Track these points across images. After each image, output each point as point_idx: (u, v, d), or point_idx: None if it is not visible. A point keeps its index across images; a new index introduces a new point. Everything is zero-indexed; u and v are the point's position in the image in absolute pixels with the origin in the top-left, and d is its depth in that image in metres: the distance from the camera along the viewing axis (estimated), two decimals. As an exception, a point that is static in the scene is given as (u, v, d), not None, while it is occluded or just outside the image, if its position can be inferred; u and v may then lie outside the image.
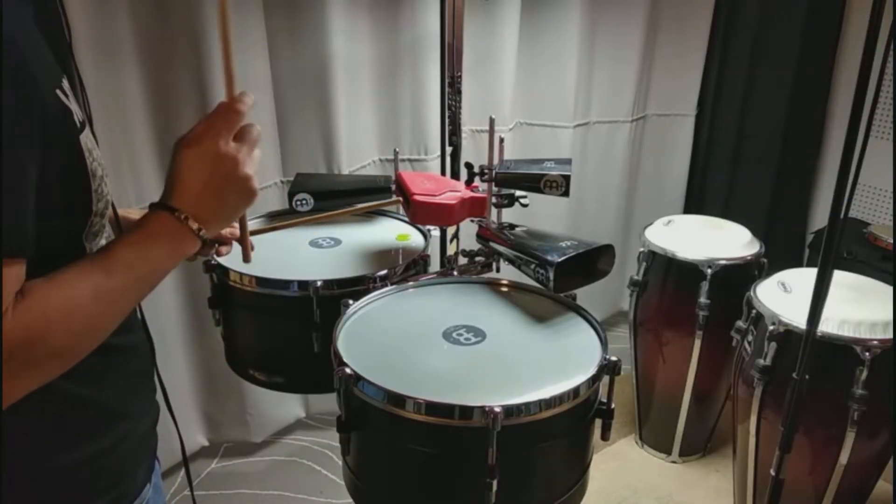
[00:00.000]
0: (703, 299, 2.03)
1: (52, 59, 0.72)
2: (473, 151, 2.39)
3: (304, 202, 1.44)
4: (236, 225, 1.17)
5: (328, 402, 2.45)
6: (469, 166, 1.43)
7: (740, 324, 1.84)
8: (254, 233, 1.27)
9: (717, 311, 2.03)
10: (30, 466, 0.77)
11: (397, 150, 1.81)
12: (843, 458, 1.64)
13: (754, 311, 1.76)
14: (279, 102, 2.06)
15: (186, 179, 0.76)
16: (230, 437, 2.32)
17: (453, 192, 1.37)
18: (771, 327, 1.66)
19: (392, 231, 1.55)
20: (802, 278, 1.79)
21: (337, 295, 1.25)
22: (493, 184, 1.33)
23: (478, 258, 1.45)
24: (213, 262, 1.32)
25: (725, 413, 2.22)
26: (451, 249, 1.52)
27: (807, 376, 1.19)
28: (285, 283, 1.26)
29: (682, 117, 2.96)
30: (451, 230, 1.53)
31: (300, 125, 2.12)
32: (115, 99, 1.75)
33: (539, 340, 1.15)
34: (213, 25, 1.81)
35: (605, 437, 1.08)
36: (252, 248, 0.89)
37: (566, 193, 1.30)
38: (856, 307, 1.63)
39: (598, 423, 1.08)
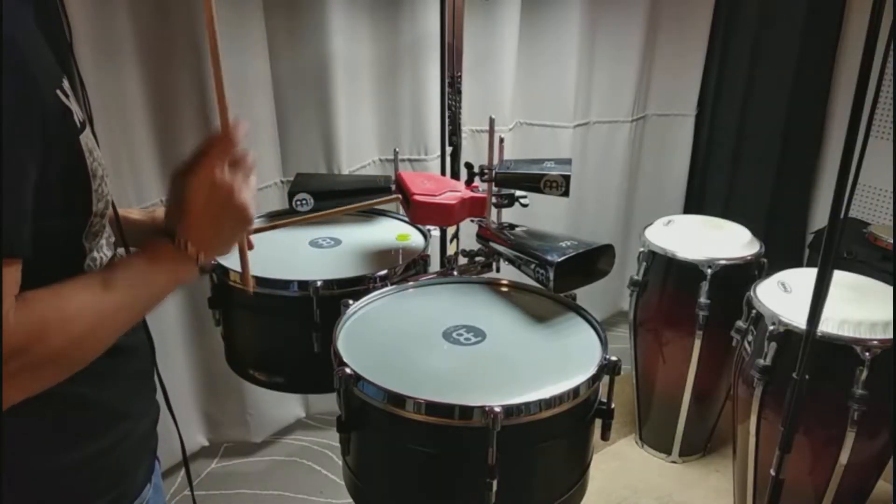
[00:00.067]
0: (703, 299, 2.03)
1: (53, 59, 0.72)
2: (473, 151, 2.39)
3: (304, 202, 1.44)
4: None
5: (328, 402, 2.45)
6: (469, 166, 1.43)
7: (740, 324, 1.84)
8: (256, 231, 1.27)
9: (717, 311, 2.03)
10: (30, 466, 0.77)
11: (397, 150, 1.81)
12: (843, 458, 1.64)
13: (754, 311, 1.76)
14: (279, 102, 2.06)
15: (184, 208, 0.78)
16: (230, 437, 2.32)
17: (453, 192, 1.37)
18: (771, 327, 1.66)
19: (392, 231, 1.55)
20: (802, 278, 1.79)
21: (337, 295, 1.25)
22: (493, 184, 1.33)
23: (478, 258, 1.45)
24: (213, 262, 1.32)
25: (725, 413, 2.22)
26: (451, 249, 1.52)
27: (807, 376, 1.19)
28: (285, 283, 1.26)
29: (682, 117, 2.96)
30: (451, 230, 1.53)
31: (300, 125, 2.12)
32: (115, 99, 1.75)
33: (539, 340, 1.15)
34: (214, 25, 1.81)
35: (605, 437, 1.08)
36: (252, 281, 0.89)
37: (566, 193, 1.30)
38: (856, 307, 1.63)
39: (598, 423, 1.08)
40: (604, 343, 1.10)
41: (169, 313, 2.03)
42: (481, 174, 1.34)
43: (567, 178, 1.29)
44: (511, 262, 1.31)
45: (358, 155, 2.25)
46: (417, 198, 1.33)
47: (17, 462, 0.75)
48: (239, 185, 0.80)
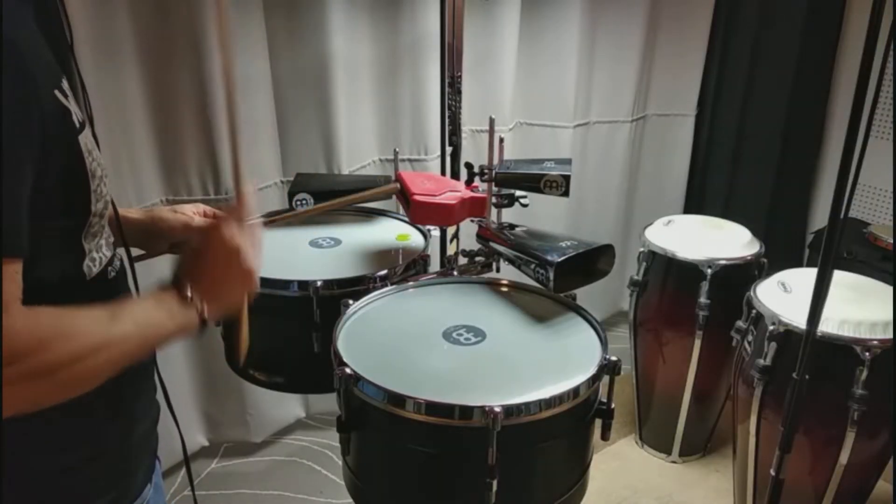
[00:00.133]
0: (703, 299, 2.03)
1: (52, 59, 0.72)
2: (473, 151, 2.39)
3: (304, 202, 1.44)
4: None
5: (328, 402, 2.45)
6: (469, 166, 1.43)
7: (740, 324, 1.84)
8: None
9: (717, 311, 2.03)
10: (30, 466, 0.77)
11: (397, 150, 1.81)
12: (843, 458, 1.64)
13: (754, 311, 1.76)
14: (279, 102, 2.06)
15: (197, 263, 0.83)
16: (230, 437, 2.32)
17: (453, 192, 1.37)
18: (771, 327, 1.66)
19: (392, 231, 1.55)
20: (802, 278, 1.79)
21: (337, 295, 1.25)
22: (493, 184, 1.33)
23: (478, 258, 1.45)
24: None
25: (725, 413, 2.22)
26: (451, 249, 1.52)
27: (807, 376, 1.19)
28: (285, 283, 1.26)
29: (682, 117, 2.96)
30: (451, 230, 1.53)
31: (300, 125, 2.12)
32: (115, 99, 1.75)
33: (539, 340, 1.15)
34: (214, 25, 1.81)
35: (605, 437, 1.08)
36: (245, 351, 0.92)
37: (566, 193, 1.30)
38: (856, 307, 1.63)
39: (598, 423, 1.08)
40: (604, 343, 1.10)
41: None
42: (481, 174, 1.34)
43: (567, 178, 1.29)
44: (511, 262, 1.31)
45: (358, 155, 2.25)
46: (417, 198, 1.33)
47: (17, 462, 0.75)
48: (248, 251, 0.84)
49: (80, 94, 0.82)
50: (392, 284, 1.30)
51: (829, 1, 2.59)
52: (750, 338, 1.78)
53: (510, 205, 1.37)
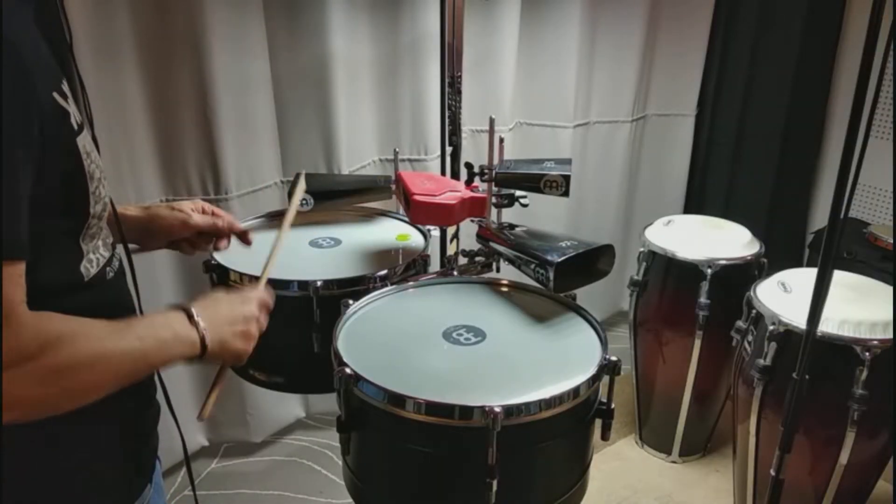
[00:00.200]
0: (703, 299, 2.03)
1: (52, 60, 0.72)
2: (473, 151, 2.39)
3: (304, 202, 1.44)
4: (229, 216, 1.18)
5: (328, 402, 2.45)
6: (469, 166, 1.43)
7: (740, 324, 1.84)
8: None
9: (717, 311, 2.03)
10: (30, 466, 0.77)
11: (397, 150, 1.81)
12: (843, 458, 1.64)
13: (754, 311, 1.76)
14: (279, 102, 2.06)
15: (217, 300, 0.89)
16: (230, 437, 2.32)
17: (453, 192, 1.37)
18: (771, 327, 1.66)
19: (392, 231, 1.55)
20: (802, 278, 1.79)
21: (337, 295, 1.25)
22: (493, 184, 1.33)
23: (478, 258, 1.45)
24: (213, 261, 1.32)
25: (725, 413, 2.22)
26: (451, 249, 1.52)
27: (807, 376, 1.19)
28: (285, 283, 1.26)
29: (682, 117, 2.96)
30: (451, 230, 1.53)
31: (300, 125, 2.12)
32: (115, 99, 1.75)
33: (539, 340, 1.15)
34: (214, 25, 1.82)
35: (605, 437, 1.08)
36: (212, 406, 0.94)
37: (566, 193, 1.30)
38: (856, 307, 1.63)
39: (598, 423, 1.08)
40: (604, 343, 1.10)
41: (169, 313, 2.03)
42: (481, 174, 1.34)
43: (567, 178, 1.29)
44: (511, 262, 1.31)
45: (358, 155, 2.25)
46: (417, 198, 1.33)
47: (17, 462, 0.75)
48: (256, 331, 0.92)
49: (80, 96, 0.82)
50: (392, 284, 1.30)
51: (829, 1, 2.59)
52: (750, 338, 1.78)
53: (510, 205, 1.37)
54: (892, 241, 2.29)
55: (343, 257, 1.42)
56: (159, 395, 0.96)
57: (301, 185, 1.36)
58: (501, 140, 1.32)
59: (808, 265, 2.59)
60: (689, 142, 2.99)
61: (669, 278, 2.15)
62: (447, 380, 1.03)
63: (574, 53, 2.58)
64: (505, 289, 1.32)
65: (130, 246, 0.98)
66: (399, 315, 1.22)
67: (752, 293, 1.80)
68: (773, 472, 1.27)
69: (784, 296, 1.76)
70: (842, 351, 1.57)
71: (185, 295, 2.05)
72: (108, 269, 0.84)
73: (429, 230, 1.51)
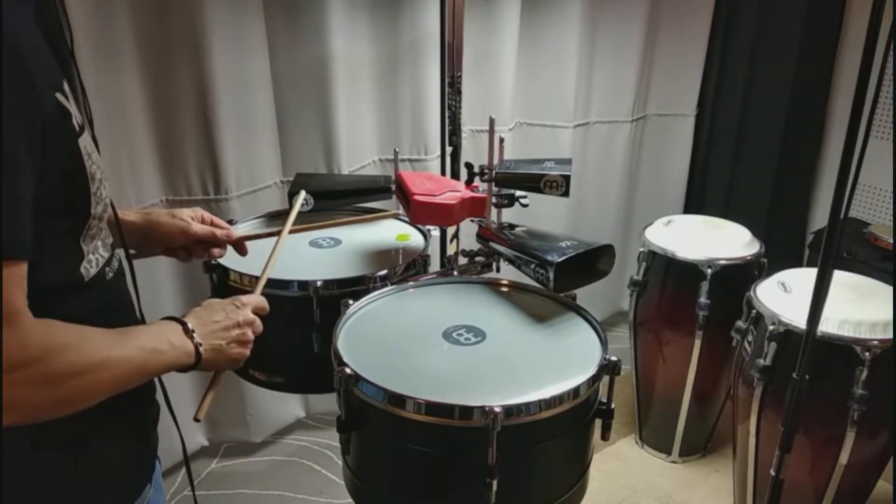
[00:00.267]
0: (703, 299, 2.03)
1: (53, 61, 0.72)
2: (473, 151, 2.39)
3: (304, 202, 1.44)
4: (228, 227, 1.19)
5: (328, 402, 2.45)
6: (469, 166, 1.43)
7: (740, 324, 1.84)
8: (249, 238, 1.27)
9: (717, 311, 2.03)
10: (30, 467, 0.77)
11: (397, 150, 1.81)
12: (843, 458, 1.64)
13: (754, 311, 1.76)
14: (279, 102, 2.06)
15: (212, 313, 0.90)
16: (230, 437, 2.32)
17: (453, 192, 1.37)
18: (771, 327, 1.66)
19: (392, 231, 1.55)
20: (802, 278, 1.79)
21: (337, 295, 1.25)
22: (493, 184, 1.33)
23: (478, 258, 1.45)
24: (213, 262, 1.32)
25: (725, 413, 2.22)
26: (451, 249, 1.52)
27: (807, 376, 1.19)
28: (285, 283, 1.26)
29: (682, 117, 2.96)
30: (451, 230, 1.53)
31: (300, 125, 2.12)
32: (115, 100, 1.75)
33: (539, 340, 1.15)
34: (214, 25, 1.81)
35: (605, 437, 1.08)
36: (208, 407, 0.97)
37: (566, 193, 1.30)
38: (856, 307, 1.63)
39: (598, 423, 1.08)
40: (604, 343, 1.10)
41: (168, 313, 2.03)
42: (481, 174, 1.34)
43: (567, 178, 1.29)
44: (511, 262, 1.31)
45: (358, 155, 2.25)
46: (417, 198, 1.33)
47: (17, 463, 0.75)
48: (251, 336, 0.94)
49: (80, 97, 0.82)
50: (392, 284, 1.30)
51: (829, 1, 2.59)
52: (750, 338, 1.78)
53: (510, 205, 1.37)
54: (892, 241, 2.29)
55: (343, 257, 1.42)
56: (159, 396, 0.96)
57: (301, 197, 1.37)
58: (501, 140, 1.32)
59: (808, 265, 2.59)
60: (689, 142, 2.99)
61: (669, 278, 2.15)
62: (447, 380, 1.03)
63: (574, 53, 2.58)
64: (505, 289, 1.32)
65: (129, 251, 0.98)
66: (399, 315, 1.22)
67: (752, 293, 1.80)
68: (773, 472, 1.27)
69: (784, 296, 1.76)
70: (842, 351, 1.57)
71: (185, 295, 2.05)
72: (107, 269, 0.84)
73: (429, 230, 1.51)
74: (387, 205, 1.62)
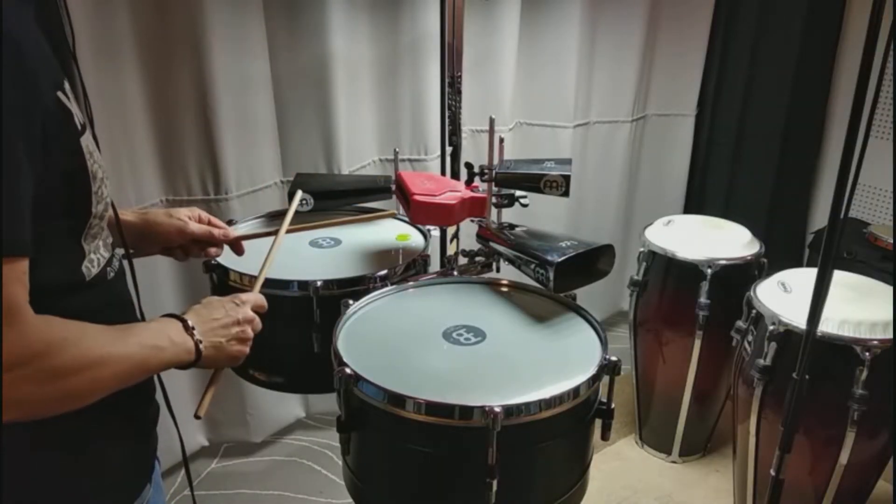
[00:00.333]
0: (703, 299, 2.03)
1: (54, 60, 0.72)
2: (473, 151, 2.39)
3: (304, 202, 1.44)
4: (226, 227, 1.19)
5: (328, 402, 2.45)
6: (469, 166, 1.43)
7: (740, 324, 1.84)
8: (248, 237, 1.27)
9: (717, 311, 2.03)
10: (30, 466, 0.77)
11: (397, 150, 1.81)
12: (843, 458, 1.64)
13: (754, 311, 1.76)
14: (279, 102, 2.06)
15: (211, 311, 0.90)
16: (230, 437, 2.32)
17: (453, 192, 1.37)
18: (771, 327, 1.66)
19: (392, 231, 1.55)
20: (802, 278, 1.79)
21: (337, 295, 1.25)
22: (493, 184, 1.33)
23: (478, 258, 1.45)
24: (213, 262, 1.32)
25: (725, 413, 2.22)
26: (451, 249, 1.52)
27: (807, 376, 1.19)
28: (285, 283, 1.26)
29: (682, 117, 2.96)
30: (451, 230, 1.53)
31: (300, 125, 2.12)
32: (115, 99, 1.75)
33: (539, 340, 1.15)
34: (214, 25, 1.81)
35: (605, 437, 1.08)
36: (208, 404, 0.97)
37: (566, 193, 1.30)
38: (856, 307, 1.63)
39: (598, 423, 1.08)
40: (604, 343, 1.10)
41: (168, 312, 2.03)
42: (481, 174, 1.34)
43: (567, 178, 1.29)
44: (511, 262, 1.31)
45: (358, 155, 2.25)
46: (417, 198, 1.33)
47: (17, 462, 0.75)
48: (250, 333, 0.94)
49: (81, 97, 0.82)
50: (392, 284, 1.30)
51: (829, 1, 2.59)
52: (750, 338, 1.78)
53: (510, 205, 1.37)
54: (892, 241, 2.29)
55: (343, 257, 1.42)
56: (158, 396, 0.96)
57: (298, 196, 1.37)
58: (501, 140, 1.32)
59: (808, 265, 2.59)
60: (689, 142, 2.99)
61: (669, 278, 2.15)
62: (447, 380, 1.03)
63: (574, 53, 2.58)
64: (505, 289, 1.32)
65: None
66: (399, 315, 1.22)
67: (752, 293, 1.80)
68: (773, 472, 1.27)
69: (784, 296, 1.76)
70: (842, 351, 1.57)
71: (185, 295, 2.05)
72: (108, 269, 0.84)
73: (429, 230, 1.51)
74: (387, 205, 1.62)
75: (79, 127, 0.73)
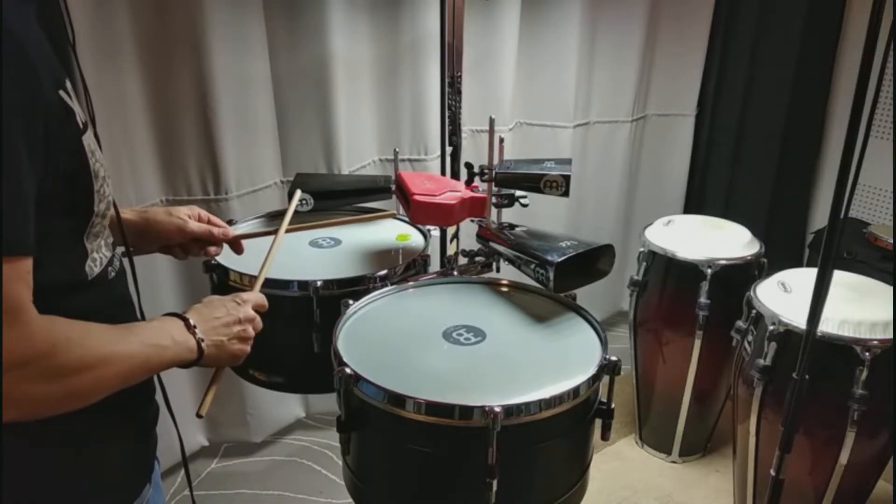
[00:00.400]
0: (703, 299, 2.03)
1: (55, 59, 0.72)
2: (473, 151, 2.39)
3: (304, 202, 1.44)
4: (225, 225, 1.19)
5: (328, 402, 2.45)
6: (469, 166, 1.43)
7: (740, 324, 1.84)
8: (247, 236, 1.28)
9: (717, 311, 2.03)
10: (30, 466, 0.77)
11: (397, 150, 1.81)
12: (843, 458, 1.64)
13: (754, 311, 1.76)
14: (279, 102, 2.06)
15: (212, 310, 0.90)
16: (230, 437, 2.32)
17: (453, 192, 1.37)
18: (771, 327, 1.66)
19: (392, 231, 1.55)
20: (802, 278, 1.79)
21: (337, 295, 1.25)
22: (493, 184, 1.33)
23: (478, 258, 1.45)
24: (213, 262, 1.32)
25: (725, 413, 2.22)
26: (451, 249, 1.52)
27: (807, 376, 1.19)
28: (285, 283, 1.26)
29: (682, 117, 2.96)
30: (451, 230, 1.53)
31: (300, 125, 2.12)
32: (115, 99, 1.75)
33: (539, 340, 1.15)
34: (214, 25, 1.81)
35: (605, 437, 1.08)
36: (210, 403, 0.98)
37: (566, 193, 1.30)
38: (856, 307, 1.63)
39: (598, 423, 1.08)
40: (604, 343, 1.10)
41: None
42: (481, 174, 1.34)
43: (567, 178, 1.29)
44: (511, 262, 1.31)
45: (358, 155, 2.25)
46: (417, 198, 1.33)
47: (17, 462, 0.75)
48: (251, 332, 0.95)
49: (83, 96, 0.82)
50: (392, 284, 1.30)
51: (829, 1, 2.59)
52: (750, 338, 1.78)
53: (510, 205, 1.37)
54: (892, 241, 2.29)
55: (343, 257, 1.42)
56: (158, 396, 0.96)
57: (297, 194, 1.37)
58: (501, 140, 1.32)
59: (808, 265, 2.59)
60: (689, 142, 2.99)
61: (669, 278, 2.15)
62: (447, 380, 1.03)
63: (574, 53, 2.58)
64: (505, 289, 1.32)
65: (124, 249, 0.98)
66: (399, 315, 1.22)
67: (752, 293, 1.80)
68: (773, 472, 1.27)
69: (784, 296, 1.76)
70: (842, 351, 1.57)
71: (185, 294, 2.05)
72: (109, 268, 0.84)
73: (429, 230, 1.51)
74: (387, 205, 1.62)
75: (81, 126, 0.74)
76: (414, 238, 1.51)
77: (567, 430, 1.01)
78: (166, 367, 0.81)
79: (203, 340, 0.85)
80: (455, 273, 1.42)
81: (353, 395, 1.01)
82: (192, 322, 0.85)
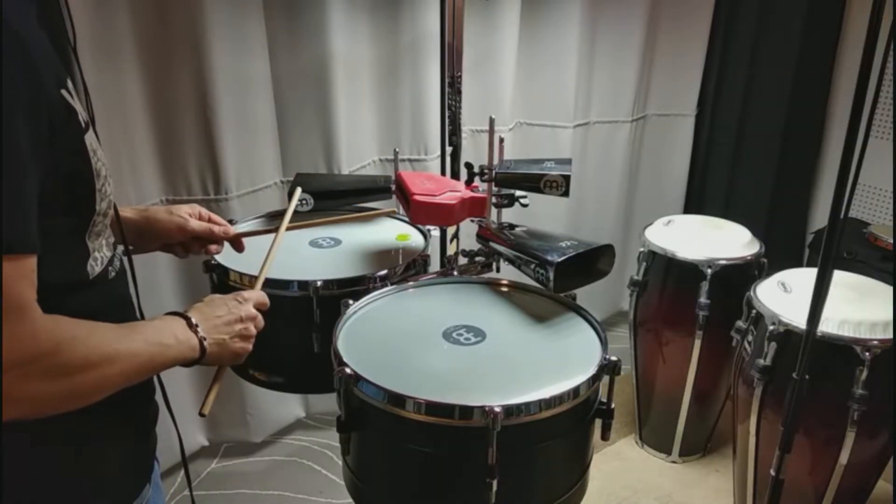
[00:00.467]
0: (703, 299, 2.03)
1: (57, 59, 0.72)
2: (473, 151, 2.39)
3: (304, 202, 1.44)
4: (226, 224, 1.19)
5: (328, 402, 2.45)
6: (469, 166, 1.43)
7: (740, 324, 1.84)
8: (248, 234, 1.28)
9: (717, 311, 2.03)
10: (30, 466, 0.77)
11: (397, 150, 1.81)
12: (843, 458, 1.64)
13: (754, 311, 1.76)
14: (279, 102, 2.06)
15: (214, 308, 0.90)
16: (230, 437, 2.32)
17: (453, 192, 1.37)
18: (771, 327, 1.66)
19: (392, 231, 1.55)
20: (802, 278, 1.79)
21: (337, 295, 1.25)
22: (493, 184, 1.33)
23: (478, 258, 1.45)
24: (213, 261, 1.32)
25: (725, 413, 2.22)
26: (451, 249, 1.52)
27: (807, 376, 1.19)
28: (285, 283, 1.26)
29: (682, 117, 2.96)
30: (451, 230, 1.53)
31: (300, 125, 2.12)
32: (115, 99, 1.75)
33: (539, 340, 1.15)
34: (214, 25, 1.82)
35: (605, 437, 1.08)
36: (212, 402, 0.97)
37: (566, 193, 1.30)
38: (856, 307, 1.63)
39: (598, 423, 1.08)
40: (604, 343, 1.10)
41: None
42: (481, 174, 1.34)
43: (567, 178, 1.29)
44: (511, 262, 1.31)
45: (358, 155, 2.25)
46: (417, 198, 1.33)
47: (18, 462, 0.75)
48: (253, 330, 0.95)
49: (84, 95, 0.82)
50: (392, 284, 1.30)
51: (829, 1, 2.59)
52: (750, 338, 1.78)
53: (510, 205, 1.37)
54: (892, 241, 2.29)
55: (343, 257, 1.42)
56: (158, 396, 0.96)
57: (297, 193, 1.37)
58: (501, 140, 1.32)
59: (808, 265, 2.59)
60: (689, 142, 2.99)
61: (669, 278, 2.15)
62: (447, 380, 1.03)
63: (574, 53, 2.58)
64: (505, 289, 1.32)
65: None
66: (399, 315, 1.22)
67: (752, 293, 1.80)
68: (773, 472, 1.27)
69: (784, 296, 1.76)
70: (842, 351, 1.57)
71: (185, 294, 2.05)
72: (109, 268, 0.84)
73: (429, 230, 1.51)
74: (387, 205, 1.62)
75: (83, 124, 0.74)
76: (414, 238, 1.51)
77: (567, 430, 1.01)
78: (169, 365, 0.81)
79: (205, 339, 0.85)
80: (455, 273, 1.42)
81: (353, 395, 1.01)
82: (194, 321, 0.85)
